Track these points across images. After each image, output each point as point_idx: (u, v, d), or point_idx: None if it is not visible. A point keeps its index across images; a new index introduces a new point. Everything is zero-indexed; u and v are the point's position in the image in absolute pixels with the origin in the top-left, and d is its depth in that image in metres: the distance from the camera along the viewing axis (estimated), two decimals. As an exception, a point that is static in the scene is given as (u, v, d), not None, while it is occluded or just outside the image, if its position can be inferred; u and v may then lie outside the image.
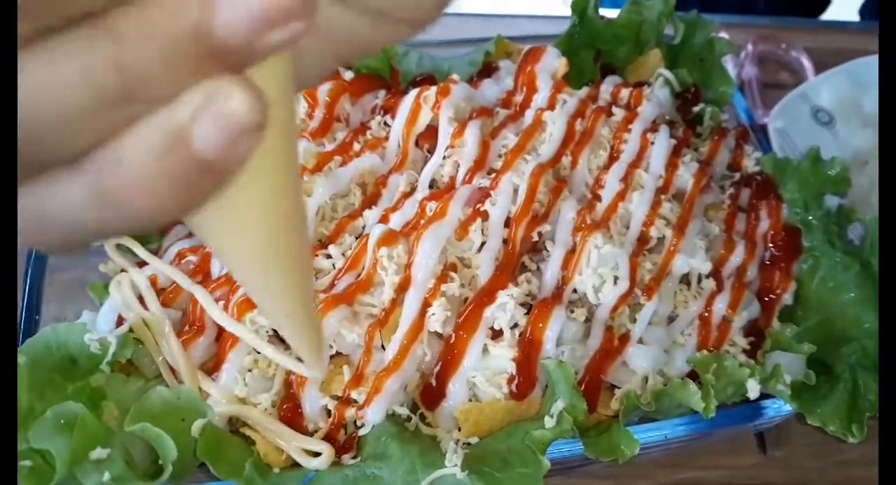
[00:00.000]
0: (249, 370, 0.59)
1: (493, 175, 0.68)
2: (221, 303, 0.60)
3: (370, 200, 0.67)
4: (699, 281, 0.68)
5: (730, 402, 0.59)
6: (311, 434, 0.58)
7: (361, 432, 0.58)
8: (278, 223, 0.27)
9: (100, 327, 0.62)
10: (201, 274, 0.64)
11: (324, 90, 0.72)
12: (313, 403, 0.58)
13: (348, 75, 0.76)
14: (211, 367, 0.60)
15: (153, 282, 0.64)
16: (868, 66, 1.02)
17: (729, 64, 1.06)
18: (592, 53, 0.86)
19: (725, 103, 0.82)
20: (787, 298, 0.70)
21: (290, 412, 0.58)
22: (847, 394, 0.60)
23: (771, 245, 0.72)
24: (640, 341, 0.64)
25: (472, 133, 0.69)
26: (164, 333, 0.60)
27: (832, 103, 0.99)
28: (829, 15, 1.54)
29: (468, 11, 1.11)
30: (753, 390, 0.57)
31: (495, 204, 0.65)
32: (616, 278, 0.63)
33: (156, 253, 0.69)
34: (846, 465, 0.77)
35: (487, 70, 0.81)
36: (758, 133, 0.96)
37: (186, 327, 0.61)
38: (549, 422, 0.54)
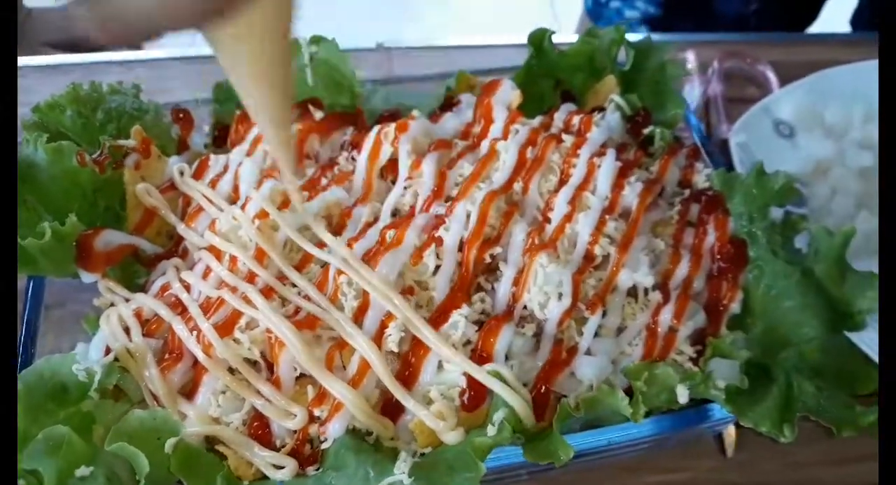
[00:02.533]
0: (223, 392, 0.65)
1: (450, 203, 0.73)
2: (195, 333, 0.65)
3: (335, 231, 0.73)
4: (646, 294, 0.73)
5: (665, 407, 0.63)
6: (279, 449, 0.63)
7: (324, 446, 0.63)
8: (280, 51, 0.43)
9: (91, 357, 0.68)
10: (181, 306, 0.70)
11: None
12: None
13: (318, 115, 0.82)
14: (189, 390, 0.66)
15: (139, 314, 0.70)
16: (830, 78, 1.06)
17: (695, 81, 1.10)
18: (552, 82, 0.91)
19: (676, 124, 0.86)
20: (735, 307, 0.74)
21: (259, 430, 0.64)
22: (781, 396, 0.64)
23: (718, 257, 0.76)
24: (590, 353, 0.69)
25: (428, 165, 0.74)
26: (146, 362, 0.66)
27: (794, 116, 1.02)
28: (818, 27, 1.58)
29: (436, 44, 1.17)
30: (682, 395, 0.60)
31: (449, 230, 0.70)
32: (560, 295, 0.68)
33: (144, 287, 0.75)
34: (804, 466, 0.80)
35: (449, 103, 0.86)
36: (719, 149, 1.00)
37: (167, 355, 0.67)
38: (490, 430, 0.59)
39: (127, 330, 0.69)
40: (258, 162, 0.77)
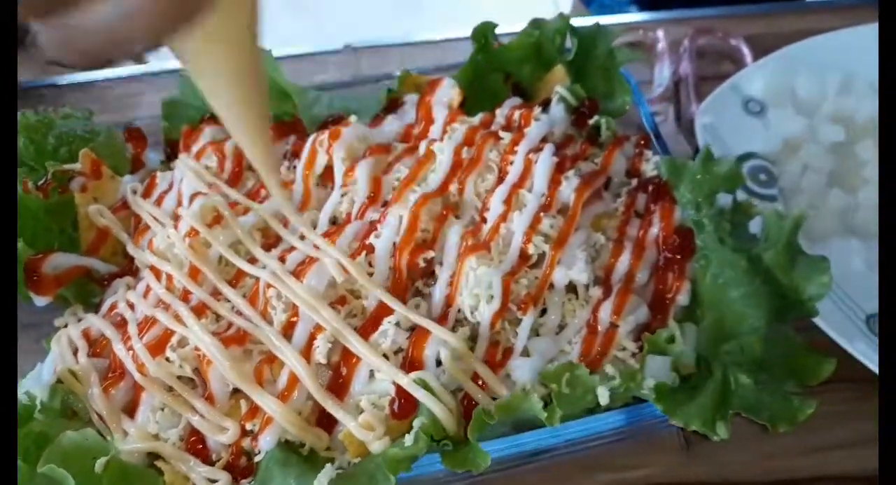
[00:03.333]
0: (161, 409, 0.66)
1: (384, 209, 0.73)
2: (131, 352, 0.67)
3: (274, 243, 0.73)
4: (587, 290, 0.71)
5: (588, 408, 0.62)
6: (215, 463, 0.64)
7: (257, 459, 0.64)
8: (248, 51, 0.42)
9: (44, 378, 0.70)
10: (125, 325, 0.71)
11: (231, 143, 0.79)
12: (214, 435, 0.65)
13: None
14: (131, 407, 0.67)
15: (87, 334, 0.72)
16: (802, 51, 1.02)
17: (665, 61, 1.07)
18: (502, 76, 0.90)
19: (625, 112, 0.84)
20: (682, 299, 0.72)
21: (196, 444, 0.65)
22: (716, 393, 0.62)
23: (664, 248, 0.74)
24: (527, 354, 0.68)
25: (361, 171, 0.74)
26: (90, 382, 0.68)
27: (764, 92, 0.99)
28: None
29: (410, 41, 1.16)
30: (603, 396, 0.59)
31: (379, 236, 0.70)
32: (491, 297, 0.67)
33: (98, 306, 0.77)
34: (774, 457, 0.78)
35: (393, 105, 0.86)
36: (689, 132, 0.98)
37: (110, 373, 0.69)
38: (408, 440, 0.59)
39: (77, 350, 0.71)
40: (200, 177, 0.78)
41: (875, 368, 0.76)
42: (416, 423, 0.59)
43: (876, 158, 0.92)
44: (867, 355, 0.77)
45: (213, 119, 0.84)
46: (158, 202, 0.79)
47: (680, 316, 0.73)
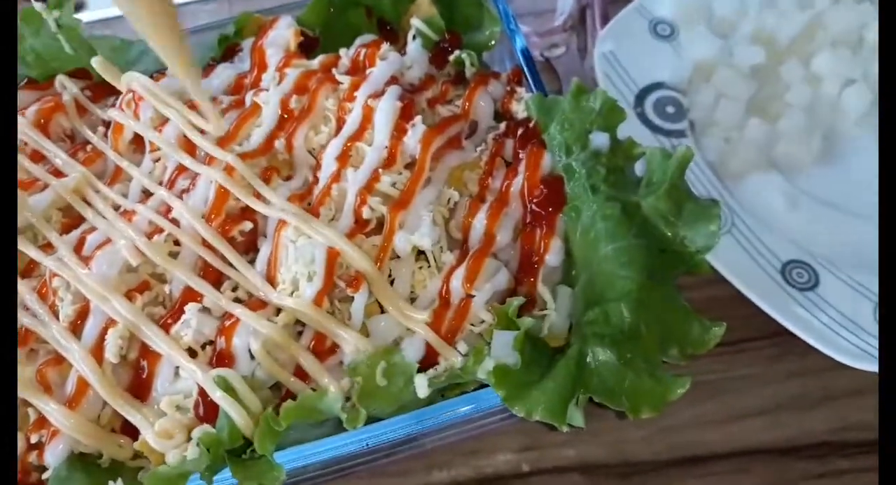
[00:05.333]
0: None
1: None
2: None
3: (73, 224, 0.63)
4: (441, 255, 0.61)
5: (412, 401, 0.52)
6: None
7: (45, 476, 0.55)
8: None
9: None
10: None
11: (31, 111, 0.68)
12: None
13: (72, 89, 0.71)
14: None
15: None
16: (719, -39, 0.89)
17: (571, -16, 0.94)
18: (362, 10, 0.78)
19: (492, 44, 0.72)
20: (551, 259, 0.61)
21: (-20, 464, 0.56)
22: (568, 373, 0.52)
23: (530, 200, 0.63)
24: (367, 334, 0.58)
25: (168, 131, 0.64)
26: None
27: (675, 12, 0.86)
28: None
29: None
30: (421, 387, 0.50)
31: (186, 207, 0.60)
32: (311, 275, 0.57)
33: None
34: (676, 430, 0.69)
35: (229, 53, 0.74)
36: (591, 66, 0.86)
37: None
38: (191, 451, 0.49)
39: None
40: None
41: (790, 325, 0.66)
42: (196, 432, 0.50)
43: (802, 80, 0.80)
44: (782, 310, 0.67)
45: (30, 84, 0.73)
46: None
47: (557, 279, 0.62)
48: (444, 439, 0.67)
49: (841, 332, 0.66)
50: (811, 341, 0.65)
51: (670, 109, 0.80)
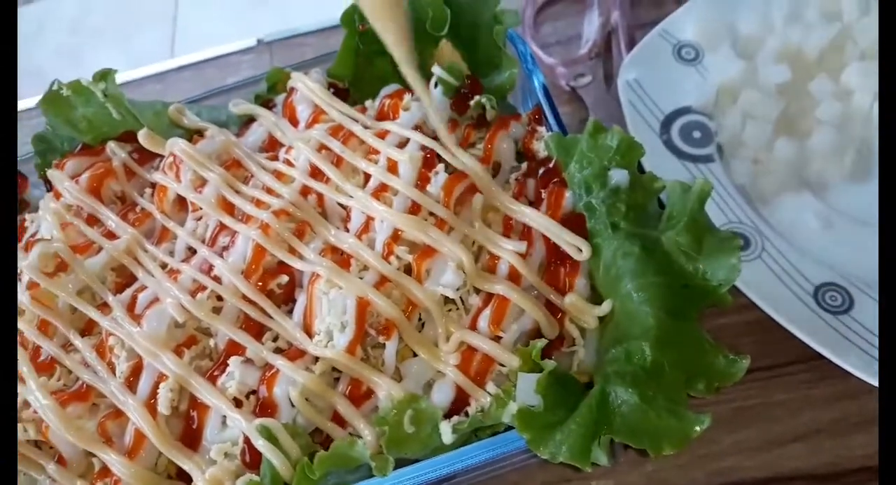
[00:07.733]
0: (23, 474, 0.62)
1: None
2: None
3: (126, 283, 0.68)
4: (468, 298, 0.63)
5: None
6: (71, 530, 0.60)
7: (111, 524, 0.59)
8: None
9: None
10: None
11: (85, 177, 0.73)
12: (66, 502, 0.61)
13: (121, 154, 0.76)
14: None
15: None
16: (741, -21, 0.89)
17: (594, 12, 0.96)
18: (388, 59, 0.81)
19: (512, 86, 0.74)
20: (571, 299, 0.62)
21: (52, 511, 0.61)
22: (590, 414, 0.53)
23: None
24: (400, 378, 0.61)
25: (207, 191, 0.68)
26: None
27: (698, 35, 0.87)
28: None
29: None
30: (446, 434, 0.52)
31: (226, 265, 0.64)
32: (343, 325, 0.60)
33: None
34: (710, 458, 0.69)
35: (265, 108, 0.78)
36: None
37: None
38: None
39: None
40: (59, 217, 0.73)
41: (824, 350, 0.66)
42: (240, 482, 0.53)
43: (832, 95, 0.79)
44: (815, 335, 0.67)
45: (84, 149, 0.79)
46: (27, 249, 0.74)
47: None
48: (484, 473, 0.69)
49: (876, 354, 0.65)
50: (846, 366, 0.64)
51: (697, 134, 0.81)
